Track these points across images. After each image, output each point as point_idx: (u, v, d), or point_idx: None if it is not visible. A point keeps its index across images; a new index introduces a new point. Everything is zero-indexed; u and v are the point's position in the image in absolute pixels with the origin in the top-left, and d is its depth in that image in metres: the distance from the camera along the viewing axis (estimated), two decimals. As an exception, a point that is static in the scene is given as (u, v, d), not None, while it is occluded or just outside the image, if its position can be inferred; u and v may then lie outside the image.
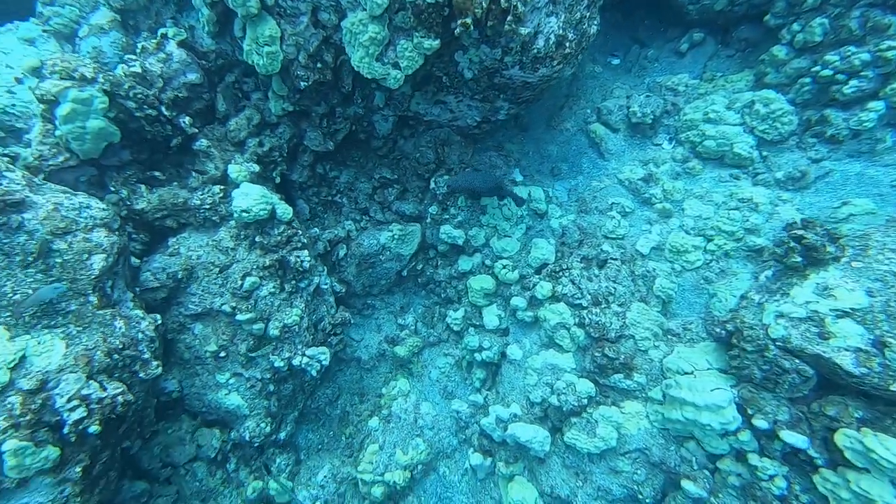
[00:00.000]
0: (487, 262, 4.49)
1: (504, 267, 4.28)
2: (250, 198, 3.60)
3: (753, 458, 2.88)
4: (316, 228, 4.48)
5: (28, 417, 2.28)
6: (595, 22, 3.38)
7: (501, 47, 3.18)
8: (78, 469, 2.43)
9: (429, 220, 4.50)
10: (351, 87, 3.82)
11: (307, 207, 4.65)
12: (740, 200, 3.97)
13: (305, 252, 3.82)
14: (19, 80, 4.50)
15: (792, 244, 3.14)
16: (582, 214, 4.45)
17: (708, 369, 3.23)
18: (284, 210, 3.78)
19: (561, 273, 3.94)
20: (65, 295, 2.71)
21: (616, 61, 5.02)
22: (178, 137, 3.79)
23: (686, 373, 3.22)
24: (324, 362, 3.82)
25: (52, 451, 2.33)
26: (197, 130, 3.90)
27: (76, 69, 3.26)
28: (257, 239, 3.75)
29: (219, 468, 3.70)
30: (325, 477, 3.88)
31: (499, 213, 4.41)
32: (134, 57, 3.69)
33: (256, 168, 3.98)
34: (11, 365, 2.41)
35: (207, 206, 3.76)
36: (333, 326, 4.13)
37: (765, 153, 4.14)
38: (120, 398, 2.56)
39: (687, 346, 3.49)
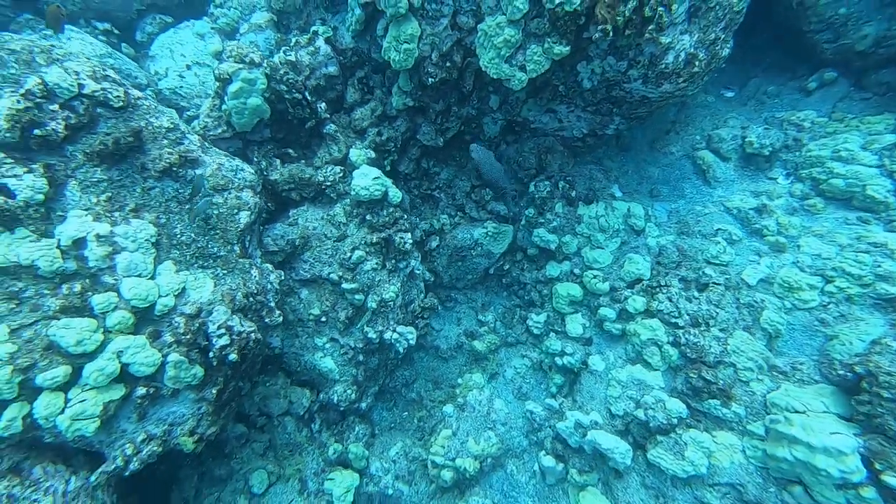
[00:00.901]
0: (576, 270, 4.48)
1: (594, 277, 4.25)
2: (369, 178, 3.93)
3: (876, 518, 2.60)
4: (415, 217, 4.75)
5: (188, 337, 2.66)
6: (728, 45, 3.34)
7: (629, 60, 3.25)
8: (213, 391, 2.78)
9: (524, 221, 4.60)
10: (471, 87, 4.07)
11: (408, 198, 4.94)
12: (871, 244, 3.66)
13: (409, 235, 4.07)
14: (188, 67, 5.30)
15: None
16: (682, 236, 4.32)
17: (824, 412, 2.97)
18: (395, 193, 4.07)
19: (658, 289, 3.84)
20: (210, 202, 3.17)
21: (730, 94, 4.90)
22: (312, 120, 4.24)
23: (798, 412, 2.98)
24: (411, 341, 4.01)
25: (198, 370, 2.69)
26: (328, 116, 4.34)
27: (247, 55, 3.80)
28: (367, 217, 4.07)
29: (305, 426, 3.98)
30: (397, 453, 4.03)
31: (595, 224, 4.41)
32: (289, 48, 4.21)
33: (373, 155, 4.33)
34: (176, 292, 2.83)
35: (328, 184, 4.15)
36: (422, 310, 4.33)
37: (903, 199, 3.81)
38: (252, 335, 2.89)
39: (797, 386, 3.23)
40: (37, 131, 2.71)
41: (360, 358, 3.98)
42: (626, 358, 3.94)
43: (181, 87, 5.18)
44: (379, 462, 3.97)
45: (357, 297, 3.89)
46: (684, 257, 4.13)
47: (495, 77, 3.50)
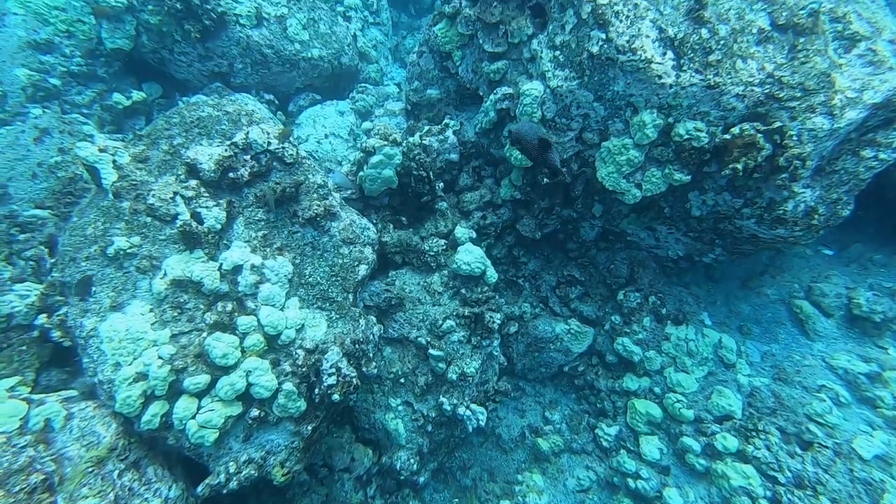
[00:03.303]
0: (657, 389, 4.34)
1: (678, 402, 4.09)
2: (472, 255, 4.23)
3: None
4: (501, 300, 4.92)
5: (304, 370, 2.88)
6: (849, 207, 3.44)
7: (745, 199, 3.41)
8: (309, 428, 2.91)
9: (608, 326, 4.62)
10: (579, 193, 4.41)
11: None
12: None
13: (498, 315, 4.22)
14: (326, 136, 6.20)
15: None
16: (779, 383, 4.12)
17: None
18: (492, 274, 4.32)
19: (755, 433, 3.61)
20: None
21: (829, 252, 4.91)
22: (428, 196, 4.73)
23: None
24: (481, 421, 3.97)
25: (302, 404, 2.86)
26: (442, 195, 4.83)
27: (391, 134, 4.45)
28: (462, 291, 4.30)
29: (362, 488, 3.92)
30: (445, 541, 3.81)
31: (683, 347, 4.33)
32: (424, 134, 4.88)
33: (474, 235, 4.68)
34: (297, 327, 3.12)
35: (432, 254, 4.49)
36: (495, 392, 4.32)
37: None
38: (354, 380, 3.06)
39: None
40: (231, 174, 3.31)
41: (430, 428, 3.97)
42: (709, 500, 3.63)
43: (317, 151, 6.01)
44: (426, 547, 3.76)
45: (440, 365, 4.00)
46: (781, 405, 3.90)
47: (610, 189, 3.81)
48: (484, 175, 5.16)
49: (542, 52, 3.81)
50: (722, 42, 2.88)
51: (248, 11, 5.58)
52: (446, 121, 5.10)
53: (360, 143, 4.49)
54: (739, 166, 2.91)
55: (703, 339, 4.26)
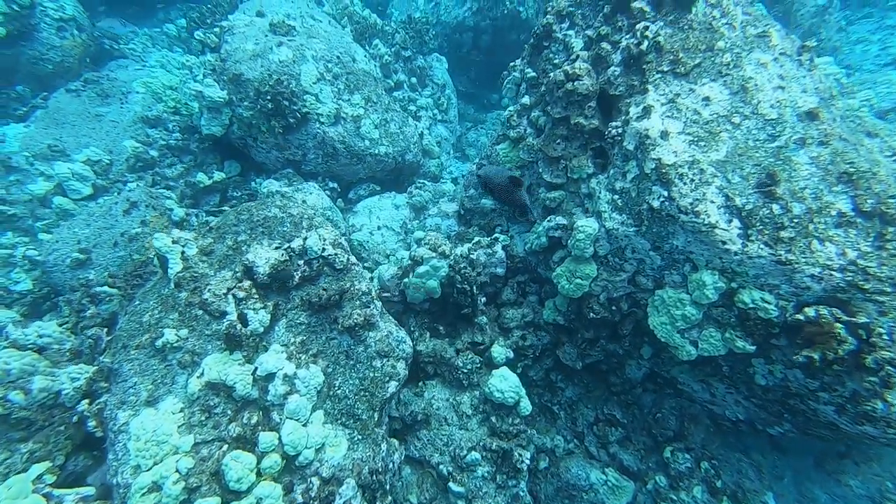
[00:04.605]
0: (707, 575, 3.70)
1: None
2: (507, 383, 4.02)
3: None
4: (531, 429, 4.57)
5: (316, 503, 2.70)
6: None
7: (822, 382, 3.04)
8: (307, 574, 2.66)
9: (651, 486, 4.11)
10: (627, 332, 4.20)
11: (528, 405, 4.85)
12: None
13: (528, 453, 3.88)
14: (378, 228, 6.47)
15: None
16: None
17: None
18: (526, 406, 4.05)
19: None
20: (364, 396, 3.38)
21: None
22: (468, 309, 4.67)
23: None
24: (495, 585, 3.49)
25: (305, 545, 2.65)
26: (483, 309, 4.76)
27: (439, 246, 4.54)
28: (492, 419, 4.04)
29: None
30: None
31: (740, 529, 3.74)
32: (473, 247, 4.95)
33: (511, 355, 4.49)
34: (317, 446, 2.98)
35: (465, 371, 4.32)
36: (516, 546, 3.85)
37: None
38: (364, 525, 2.82)
39: None
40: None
41: (436, 579, 3.54)
42: None
43: (367, 241, 6.25)
44: None
45: (459, 502, 3.65)
46: None
47: (662, 340, 3.58)
48: (528, 291, 5.08)
49: (600, 192, 3.86)
50: (796, 220, 2.78)
51: (329, 112, 6.20)
52: (497, 234, 5.18)
53: (409, 246, 4.61)
54: (815, 356, 2.64)
55: (768, 529, 3.66)
